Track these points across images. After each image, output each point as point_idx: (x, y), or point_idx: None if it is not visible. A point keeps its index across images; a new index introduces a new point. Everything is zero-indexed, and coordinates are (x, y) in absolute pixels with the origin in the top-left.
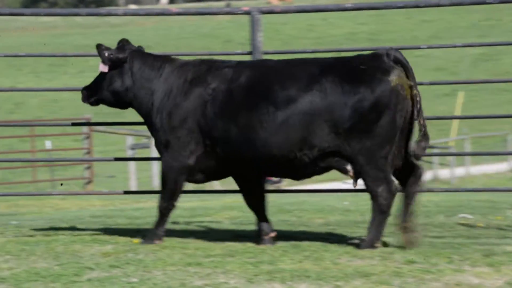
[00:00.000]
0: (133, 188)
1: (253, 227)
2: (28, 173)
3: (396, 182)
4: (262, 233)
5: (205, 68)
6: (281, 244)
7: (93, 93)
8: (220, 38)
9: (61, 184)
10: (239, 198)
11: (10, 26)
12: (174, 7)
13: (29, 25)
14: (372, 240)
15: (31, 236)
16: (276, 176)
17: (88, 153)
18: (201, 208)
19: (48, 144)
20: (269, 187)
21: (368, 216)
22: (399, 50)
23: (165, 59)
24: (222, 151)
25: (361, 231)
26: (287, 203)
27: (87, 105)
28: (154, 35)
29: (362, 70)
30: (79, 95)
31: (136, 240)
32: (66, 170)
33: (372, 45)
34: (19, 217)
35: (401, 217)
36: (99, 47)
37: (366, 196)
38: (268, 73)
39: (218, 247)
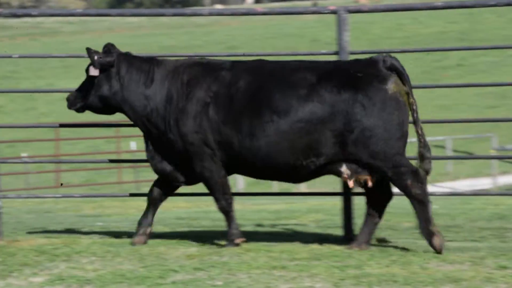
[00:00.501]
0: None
1: (339, 230)
2: (114, 174)
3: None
4: (139, 227)
5: (200, 69)
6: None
7: (80, 99)
8: (306, 37)
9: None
10: (324, 201)
11: (97, 26)
12: (259, 7)
13: (115, 26)
14: (427, 226)
15: (116, 237)
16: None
17: None
18: (286, 211)
19: (133, 145)
20: (355, 189)
21: (459, 220)
22: (396, 57)
23: (153, 62)
24: (225, 156)
25: (452, 235)
26: None
27: None
28: (240, 35)
29: (359, 77)
30: None
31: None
32: (151, 171)
33: (463, 44)
34: (105, 219)
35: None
36: (89, 50)
37: (457, 200)
38: (267, 79)
39: (304, 251)
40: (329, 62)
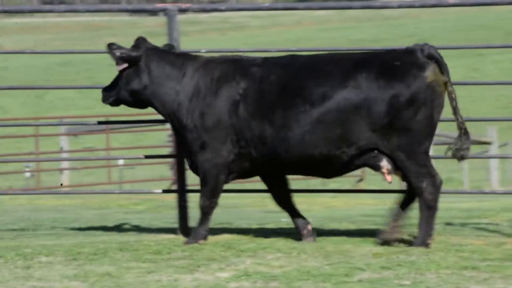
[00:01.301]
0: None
1: None
2: None
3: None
4: (299, 230)
5: (232, 67)
6: None
7: (112, 93)
8: (501, 30)
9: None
10: None
11: (285, 20)
12: None
13: (303, 19)
14: (424, 237)
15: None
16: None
17: None
18: (478, 209)
19: None
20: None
21: None
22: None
23: (187, 57)
24: (256, 152)
25: None
26: None
27: None
28: (430, 28)
29: (397, 66)
30: None
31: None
32: None
33: None
34: None
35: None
36: (110, 46)
37: None
38: (299, 71)
39: (496, 251)
40: (365, 52)
